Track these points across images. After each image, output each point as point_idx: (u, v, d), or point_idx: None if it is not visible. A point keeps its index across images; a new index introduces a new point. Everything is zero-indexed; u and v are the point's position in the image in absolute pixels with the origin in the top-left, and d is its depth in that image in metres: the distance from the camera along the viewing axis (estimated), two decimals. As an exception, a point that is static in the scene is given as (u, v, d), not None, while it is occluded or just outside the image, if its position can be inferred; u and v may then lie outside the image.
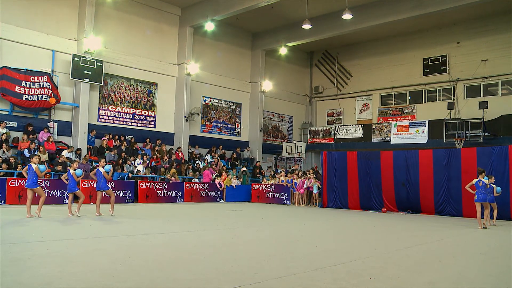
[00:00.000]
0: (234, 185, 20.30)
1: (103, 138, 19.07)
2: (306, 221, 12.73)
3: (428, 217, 14.47)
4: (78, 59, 18.25)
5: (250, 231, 10.35)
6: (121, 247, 7.21)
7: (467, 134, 20.07)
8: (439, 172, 15.37)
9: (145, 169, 18.67)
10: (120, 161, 18.02)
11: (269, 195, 20.17)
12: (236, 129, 25.48)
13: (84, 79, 18.49)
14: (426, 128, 22.39)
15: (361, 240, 9.14)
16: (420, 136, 22.48)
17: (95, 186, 12.97)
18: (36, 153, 15.48)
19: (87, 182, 15.71)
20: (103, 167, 12.10)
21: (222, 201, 19.82)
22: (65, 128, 18.54)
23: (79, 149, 17.93)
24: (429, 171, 15.57)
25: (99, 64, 18.89)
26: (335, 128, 26.81)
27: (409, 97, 25.34)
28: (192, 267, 5.86)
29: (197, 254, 6.75)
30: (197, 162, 21.66)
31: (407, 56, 25.16)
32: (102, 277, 5.14)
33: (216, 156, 22.81)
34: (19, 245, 6.95)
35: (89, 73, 18.61)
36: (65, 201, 15.04)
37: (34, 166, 10.92)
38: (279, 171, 22.42)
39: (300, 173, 20.11)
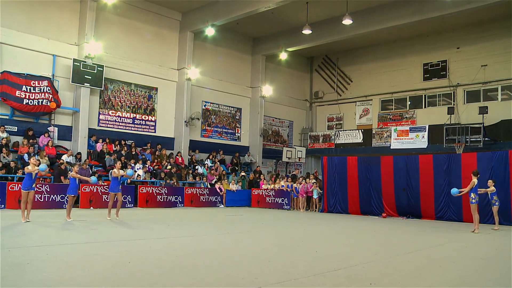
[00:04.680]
0: (234, 189, 20.29)
1: (103, 142, 19.01)
2: (306, 226, 12.70)
3: (429, 222, 14.44)
4: (78, 64, 18.28)
5: (250, 236, 10.33)
6: (120, 252, 7.20)
7: (467, 139, 20.05)
8: (439, 177, 15.36)
9: (145, 173, 18.66)
10: (120, 166, 17.97)
11: (269, 200, 20.14)
12: (236, 134, 25.48)
13: (85, 84, 18.51)
14: (426, 133, 22.37)
15: (362, 245, 9.13)
16: (420, 141, 22.46)
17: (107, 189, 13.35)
18: (36, 156, 15.57)
19: (86, 187, 15.71)
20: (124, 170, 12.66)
21: (222, 206, 19.79)
22: (65, 133, 18.53)
23: (79, 153, 17.93)
24: (429, 176, 15.56)
25: (99, 69, 18.92)
26: (335, 133, 26.80)
27: (409, 102, 25.36)
28: (192, 272, 5.84)
29: (197, 259, 6.73)
30: (196, 167, 21.63)
31: (407, 61, 25.19)
32: (101, 282, 5.13)
33: (216, 161, 22.79)
34: (19, 250, 6.94)
35: (90, 77, 18.63)
36: (65, 206, 15.06)
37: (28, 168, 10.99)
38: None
39: (301, 178, 20.10)
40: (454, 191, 11.97)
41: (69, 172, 12.67)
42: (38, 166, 11.11)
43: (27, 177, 10.96)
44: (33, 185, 11.12)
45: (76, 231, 9.64)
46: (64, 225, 10.62)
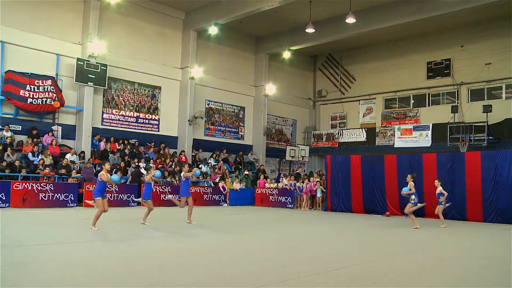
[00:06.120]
0: (237, 188, 20.29)
1: (106, 141, 19.06)
2: (309, 225, 12.70)
3: (432, 221, 14.36)
4: (82, 63, 18.34)
5: (253, 235, 10.34)
6: (122, 252, 7.22)
7: (471, 138, 19.96)
8: (443, 175, 15.28)
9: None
10: (123, 165, 18.04)
11: (273, 198, 20.14)
12: (240, 133, 25.48)
13: (88, 83, 18.56)
14: (429, 132, 22.28)
15: (364, 244, 9.11)
16: (423, 139, 22.38)
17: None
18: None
19: (90, 186, 15.73)
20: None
21: (226, 204, 19.80)
22: (69, 132, 18.60)
23: (83, 152, 18.00)
24: (433, 175, 15.46)
25: (103, 68, 18.97)
26: (338, 132, 26.74)
27: (412, 101, 25.27)
28: (193, 271, 5.86)
29: (198, 259, 6.75)
30: (200, 165, 21.64)
31: (411, 60, 25.10)
32: (103, 282, 5.15)
33: (220, 160, 22.80)
34: (21, 249, 6.98)
35: (93, 77, 18.68)
36: (69, 205, 15.21)
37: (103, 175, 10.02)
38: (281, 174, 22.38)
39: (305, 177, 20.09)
40: (405, 189, 12.14)
41: (145, 176, 11.77)
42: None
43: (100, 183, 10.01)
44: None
45: (78, 231, 9.68)
46: (65, 224, 10.67)
